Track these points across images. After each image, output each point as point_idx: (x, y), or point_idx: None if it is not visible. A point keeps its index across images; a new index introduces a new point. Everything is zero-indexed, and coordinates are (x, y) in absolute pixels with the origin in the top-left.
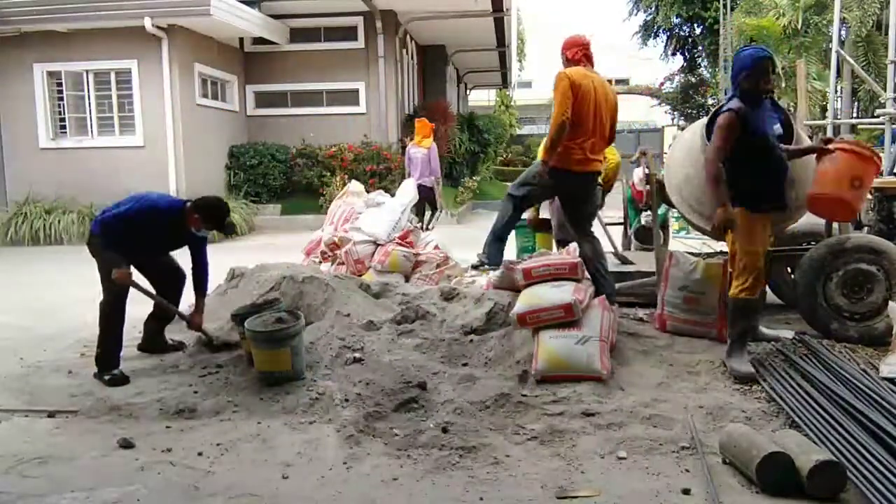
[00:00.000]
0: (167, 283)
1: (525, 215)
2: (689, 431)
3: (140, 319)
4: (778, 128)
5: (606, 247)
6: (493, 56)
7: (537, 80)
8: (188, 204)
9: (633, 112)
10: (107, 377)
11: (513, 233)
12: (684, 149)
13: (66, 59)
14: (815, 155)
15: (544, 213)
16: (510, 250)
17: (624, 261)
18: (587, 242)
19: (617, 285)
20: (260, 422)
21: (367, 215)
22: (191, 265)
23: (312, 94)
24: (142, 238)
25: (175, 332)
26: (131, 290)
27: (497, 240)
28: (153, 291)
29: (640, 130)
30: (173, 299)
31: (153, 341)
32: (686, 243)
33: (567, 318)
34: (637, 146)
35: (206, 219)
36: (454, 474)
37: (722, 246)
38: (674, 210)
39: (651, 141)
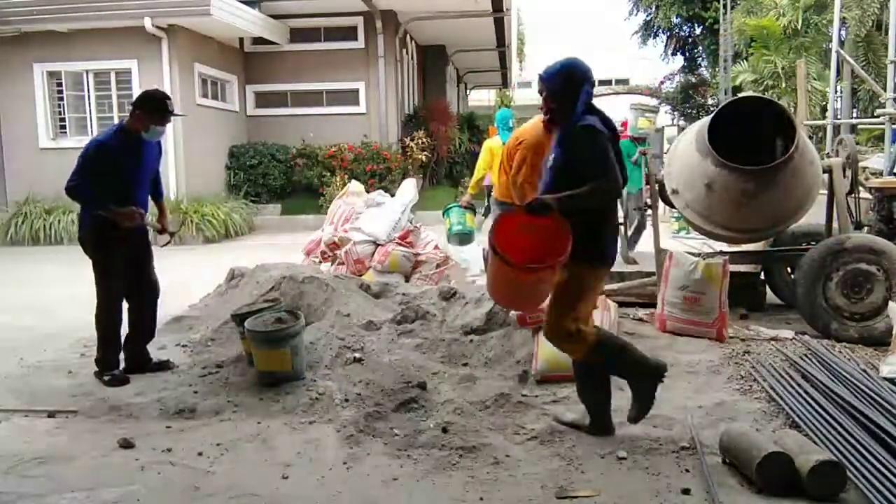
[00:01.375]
0: (142, 295)
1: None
2: (689, 431)
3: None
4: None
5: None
6: (493, 56)
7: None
8: (122, 120)
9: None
10: (106, 377)
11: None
12: (685, 150)
13: (66, 59)
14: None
15: None
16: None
17: (629, 261)
18: None
19: (617, 285)
20: (260, 422)
21: (367, 215)
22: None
23: (312, 94)
24: (112, 179)
25: (173, 336)
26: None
27: None
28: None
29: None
30: (149, 312)
31: (137, 360)
32: (686, 243)
33: None
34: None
35: (149, 112)
36: (454, 474)
37: (722, 246)
38: (674, 210)
39: (651, 141)
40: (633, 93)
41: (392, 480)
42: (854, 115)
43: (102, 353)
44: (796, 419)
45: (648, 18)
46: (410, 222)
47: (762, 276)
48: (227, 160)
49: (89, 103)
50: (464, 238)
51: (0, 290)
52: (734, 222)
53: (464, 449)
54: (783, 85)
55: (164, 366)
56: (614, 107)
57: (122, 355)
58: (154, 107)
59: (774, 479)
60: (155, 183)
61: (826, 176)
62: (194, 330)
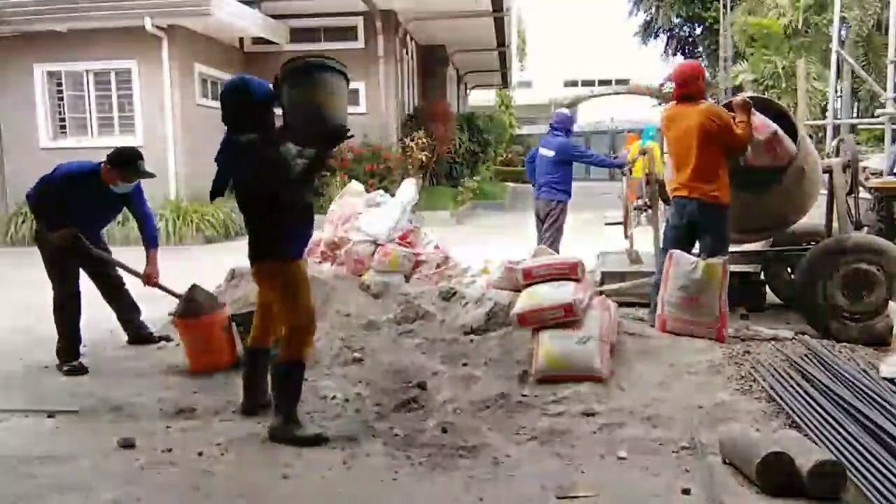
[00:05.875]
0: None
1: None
2: (689, 431)
3: (104, 319)
4: None
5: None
6: (493, 56)
7: (538, 80)
8: (101, 164)
9: (633, 112)
10: (66, 368)
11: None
12: None
13: (66, 59)
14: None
15: None
16: None
17: (635, 260)
18: None
19: (617, 285)
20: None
21: (367, 215)
22: (136, 223)
23: None
24: (72, 206)
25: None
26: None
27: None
28: (102, 253)
29: (639, 130)
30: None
31: (137, 333)
32: None
33: (567, 318)
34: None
35: (122, 168)
36: (454, 474)
37: None
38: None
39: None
40: (633, 93)
41: (392, 480)
42: (854, 115)
43: (62, 343)
44: (796, 419)
45: (648, 18)
46: (410, 222)
47: (762, 276)
48: None
49: (89, 103)
50: None
51: (0, 291)
52: (734, 224)
53: (464, 449)
54: (783, 85)
55: (165, 339)
56: (613, 107)
57: (118, 354)
58: (127, 165)
59: (774, 479)
60: (143, 230)
61: (826, 176)
62: None
